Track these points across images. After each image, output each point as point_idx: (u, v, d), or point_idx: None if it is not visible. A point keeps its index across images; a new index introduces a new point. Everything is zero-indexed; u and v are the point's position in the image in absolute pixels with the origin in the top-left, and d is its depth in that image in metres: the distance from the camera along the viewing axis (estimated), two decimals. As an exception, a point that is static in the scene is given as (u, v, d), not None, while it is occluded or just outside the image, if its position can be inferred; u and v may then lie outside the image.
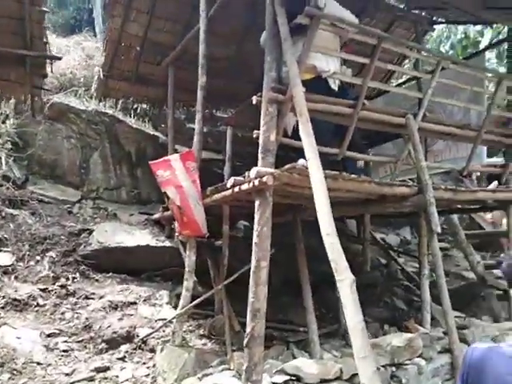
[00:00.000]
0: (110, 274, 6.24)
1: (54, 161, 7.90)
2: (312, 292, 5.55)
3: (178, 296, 5.68)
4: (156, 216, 7.25)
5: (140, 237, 6.84)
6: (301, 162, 4.11)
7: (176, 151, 6.79)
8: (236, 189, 4.54)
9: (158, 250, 6.67)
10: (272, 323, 5.37)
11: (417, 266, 7.11)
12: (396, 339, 4.50)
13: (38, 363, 4.24)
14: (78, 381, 4.16)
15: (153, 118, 9.31)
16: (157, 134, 8.86)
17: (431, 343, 4.72)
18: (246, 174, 4.23)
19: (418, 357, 4.48)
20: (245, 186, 4.31)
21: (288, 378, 3.84)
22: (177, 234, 5.93)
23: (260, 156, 4.22)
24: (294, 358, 4.93)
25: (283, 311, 6.15)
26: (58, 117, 8.11)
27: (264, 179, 3.93)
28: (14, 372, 3.99)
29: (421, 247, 5.78)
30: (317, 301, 5.65)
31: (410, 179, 6.98)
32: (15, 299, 5.02)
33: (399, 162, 5.91)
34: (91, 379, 4.25)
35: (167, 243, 6.81)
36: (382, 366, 4.18)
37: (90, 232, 6.75)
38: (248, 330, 3.77)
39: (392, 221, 9.62)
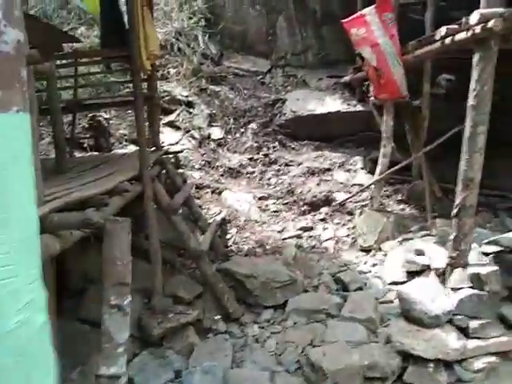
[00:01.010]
0: (305, 141, 6.56)
1: (242, 31, 8.09)
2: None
3: (372, 161, 5.64)
4: (346, 78, 6.91)
5: (331, 103, 6.78)
6: None
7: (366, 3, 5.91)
8: (447, 40, 3.72)
9: (349, 116, 6.56)
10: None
11: None
12: None
13: (256, 221, 5.06)
14: (290, 237, 4.83)
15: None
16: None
17: None
18: (464, 19, 3.38)
19: None
20: (460, 36, 3.46)
21: (501, 249, 3.57)
22: (371, 97, 5.60)
23: None
24: (505, 226, 4.50)
25: (491, 175, 5.43)
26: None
27: (490, 24, 3.08)
28: (239, 227, 4.89)
29: None
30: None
31: None
32: (230, 168, 5.87)
33: None
34: (299, 236, 4.87)
35: (359, 107, 6.59)
36: None
37: (283, 101, 7.03)
38: (458, 200, 3.51)
39: None
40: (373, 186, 5.30)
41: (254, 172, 5.93)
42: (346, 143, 6.56)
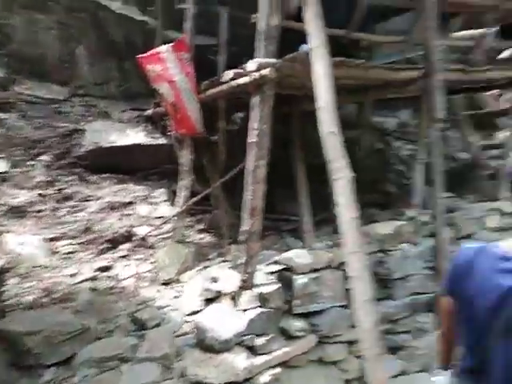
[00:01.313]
0: (107, 174, 6.25)
1: (37, 56, 7.38)
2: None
3: (175, 193, 5.75)
4: (149, 112, 6.98)
5: (134, 135, 6.67)
6: (304, 47, 3.63)
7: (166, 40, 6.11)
8: (233, 83, 4.18)
9: (152, 148, 6.56)
10: (266, 214, 5.47)
11: (413, 148, 7.02)
12: (384, 227, 4.58)
13: (44, 266, 4.48)
14: (83, 281, 4.42)
15: (139, 0, 8.35)
16: (145, 18, 8.03)
17: (418, 228, 4.84)
18: (244, 65, 3.81)
19: (405, 242, 4.64)
20: (243, 80, 3.91)
21: (281, 267, 4.05)
22: (171, 132, 5.73)
23: (261, 44, 3.67)
24: (288, 246, 5.14)
25: (276, 202, 6.21)
26: (35, 4, 7.33)
27: (264, 72, 3.54)
28: (21, 276, 4.24)
29: (420, 131, 5.54)
30: (308, 190, 5.67)
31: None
32: (13, 207, 5.12)
33: (409, 41, 5.34)
34: (95, 278, 4.52)
35: (162, 140, 6.66)
36: (370, 253, 4.33)
37: (83, 132, 6.61)
38: (245, 227, 3.83)
39: (392, 103, 9.08)
40: (175, 218, 5.38)
41: (44, 210, 5.30)
42: (150, 176, 6.54)
